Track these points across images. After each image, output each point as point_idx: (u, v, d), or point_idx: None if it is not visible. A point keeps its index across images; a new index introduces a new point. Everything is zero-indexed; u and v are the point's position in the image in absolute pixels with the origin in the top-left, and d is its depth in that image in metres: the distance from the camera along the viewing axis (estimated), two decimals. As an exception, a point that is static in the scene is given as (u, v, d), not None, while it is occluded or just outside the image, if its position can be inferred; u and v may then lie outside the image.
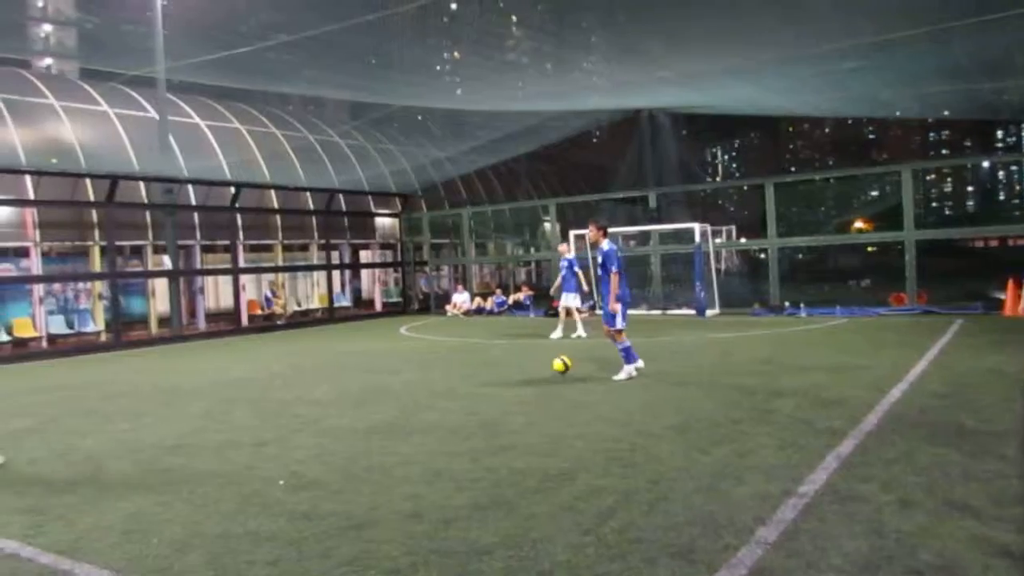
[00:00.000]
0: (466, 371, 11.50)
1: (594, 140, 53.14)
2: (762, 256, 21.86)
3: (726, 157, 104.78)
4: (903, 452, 5.81)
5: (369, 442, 7.05)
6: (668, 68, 20.47)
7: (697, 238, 20.05)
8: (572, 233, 20.47)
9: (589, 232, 10.35)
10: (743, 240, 26.47)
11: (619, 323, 9.82)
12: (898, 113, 36.20)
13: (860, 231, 22.96)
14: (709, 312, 19.49)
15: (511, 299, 24.27)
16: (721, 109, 32.15)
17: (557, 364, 10.35)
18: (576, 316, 15.63)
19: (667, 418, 7.43)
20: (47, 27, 44.12)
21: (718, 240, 22.16)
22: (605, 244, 10.01)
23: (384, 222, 27.73)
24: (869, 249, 24.84)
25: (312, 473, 6.02)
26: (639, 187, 26.45)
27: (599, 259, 10.04)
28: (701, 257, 19.71)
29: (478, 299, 24.45)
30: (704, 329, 16.41)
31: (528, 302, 23.79)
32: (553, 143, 31.15)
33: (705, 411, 7.73)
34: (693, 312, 19.55)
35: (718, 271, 21.12)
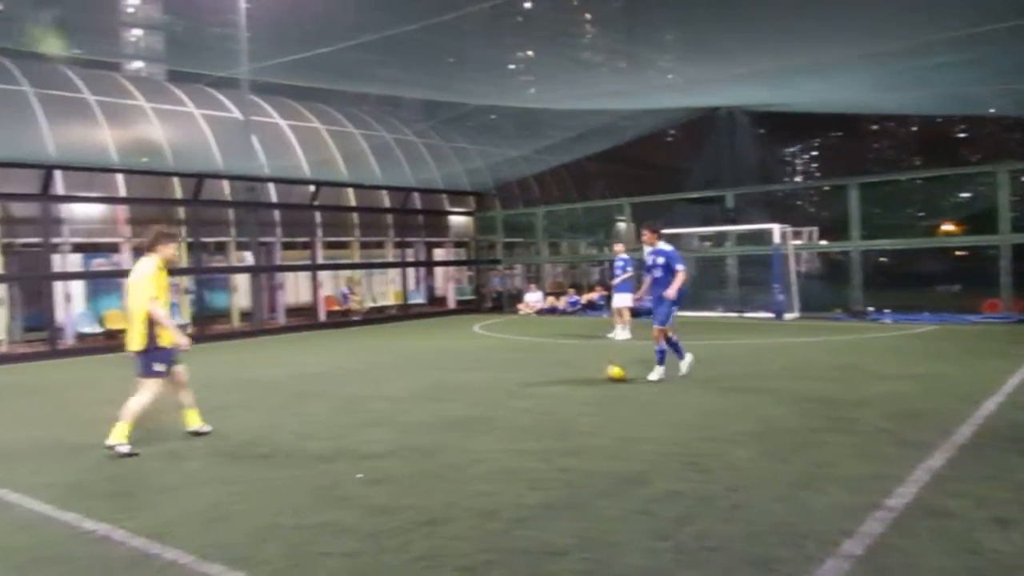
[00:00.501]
0: (539, 370, 11.48)
1: (668, 139, 52.45)
2: (842, 259, 21.15)
3: (806, 157, 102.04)
4: (999, 468, 5.53)
5: (443, 438, 7.10)
6: (745, 65, 19.99)
7: (776, 239, 19.56)
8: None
9: (644, 236, 10.39)
10: (824, 242, 25.69)
11: (668, 323, 9.80)
12: (992, 111, 34.53)
13: (949, 234, 21.98)
14: (787, 315, 19.00)
15: (584, 299, 24.14)
16: (800, 107, 31.26)
17: (615, 371, 10.02)
18: (626, 316, 15.60)
19: (743, 424, 7.26)
20: (137, 31, 45.96)
21: (797, 242, 21.57)
22: (665, 245, 10.10)
23: (458, 220, 27.95)
24: (958, 253, 23.80)
25: (388, 468, 6.10)
26: (715, 187, 25.96)
27: (659, 260, 9.95)
28: (780, 259, 19.23)
29: (551, 298, 24.41)
30: (782, 333, 16.00)
31: (602, 302, 23.62)
32: (627, 142, 30.83)
33: (783, 418, 7.53)
34: (771, 315, 19.09)
35: (798, 273, 20.56)
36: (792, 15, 17.18)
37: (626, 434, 7.01)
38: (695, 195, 25.30)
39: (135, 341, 6.99)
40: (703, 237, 25.70)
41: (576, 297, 24.18)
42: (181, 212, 20.12)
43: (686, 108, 28.05)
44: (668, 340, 9.98)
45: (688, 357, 10.01)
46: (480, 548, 4.30)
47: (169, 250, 7.31)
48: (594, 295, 24.42)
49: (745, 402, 8.42)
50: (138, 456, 6.76)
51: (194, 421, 7.53)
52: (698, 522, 4.60)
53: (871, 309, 18.37)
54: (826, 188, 31.39)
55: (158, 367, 7.03)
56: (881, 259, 23.41)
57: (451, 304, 27.01)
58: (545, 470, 5.86)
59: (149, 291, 6.95)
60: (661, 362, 9.86)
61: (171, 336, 7.03)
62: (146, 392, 6.99)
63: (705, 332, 16.21)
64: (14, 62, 19.33)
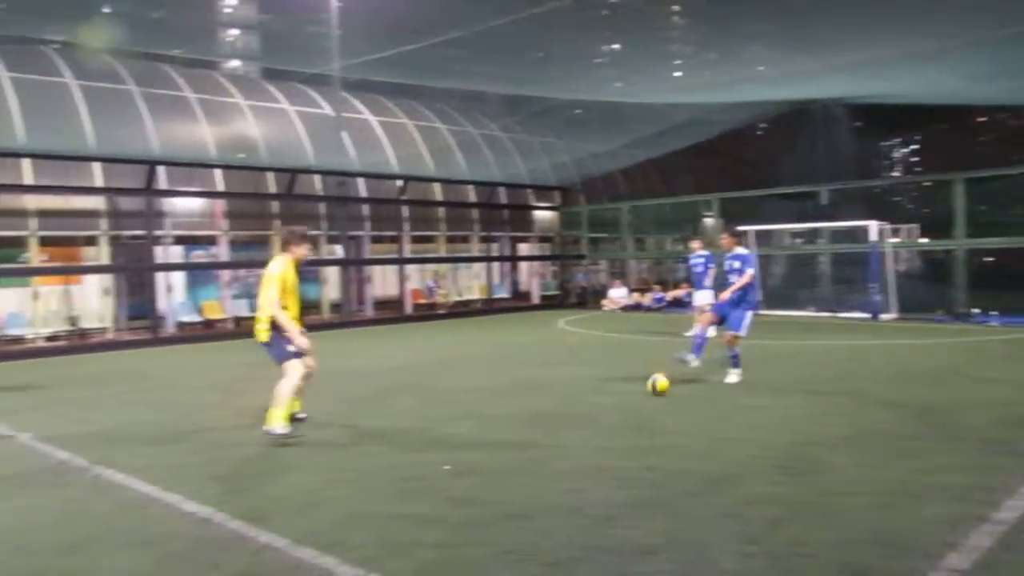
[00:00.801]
0: (623, 367, 11.36)
1: (759, 133, 51.05)
2: (944, 257, 20.12)
3: (906, 150, 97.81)
4: (1121, 481, 5.16)
5: (528, 433, 7.11)
6: (844, 55, 19.25)
7: (872, 236, 18.82)
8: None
9: (723, 240, 10.30)
10: (924, 240, 24.56)
11: (742, 330, 9.55)
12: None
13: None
14: (884, 316, 18.25)
15: (670, 295, 23.78)
16: (901, 99, 29.94)
17: (660, 384, 8.89)
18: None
19: (838, 428, 7.00)
20: (234, 31, 47.58)
21: (896, 239, 20.66)
22: (743, 250, 10.09)
23: (543, 215, 27.96)
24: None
25: (474, 460, 6.14)
26: (809, 182, 25.12)
27: (735, 265, 9.74)
28: (877, 257, 18.48)
29: (635, 295, 24.16)
30: (879, 334, 15.37)
31: (687, 299, 23.21)
32: (715, 136, 30.19)
33: (880, 422, 7.23)
34: (866, 315, 18.37)
35: (896, 273, 19.69)
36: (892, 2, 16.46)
37: (714, 434, 6.87)
38: (787, 191, 24.56)
39: (262, 333, 7.25)
40: (795, 234, 24.95)
41: (661, 294, 23.85)
42: (275, 206, 20.77)
43: (779, 101, 27.25)
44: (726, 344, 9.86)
45: (697, 362, 9.67)
46: (566, 544, 4.27)
47: (302, 250, 7.59)
48: (680, 292, 23.99)
49: (839, 405, 8.12)
50: (293, 440, 6.89)
51: (294, 404, 7.72)
52: (791, 527, 4.46)
53: (976, 311, 17.46)
54: (928, 183, 30.01)
55: (291, 348, 7.19)
56: (986, 258, 22.20)
57: (535, 299, 27.04)
58: (631, 468, 5.79)
59: (275, 293, 7.13)
60: (736, 365, 9.67)
61: (293, 338, 7.16)
62: (291, 375, 7.18)
63: (796, 332, 15.74)
64: (121, 63, 20.31)
